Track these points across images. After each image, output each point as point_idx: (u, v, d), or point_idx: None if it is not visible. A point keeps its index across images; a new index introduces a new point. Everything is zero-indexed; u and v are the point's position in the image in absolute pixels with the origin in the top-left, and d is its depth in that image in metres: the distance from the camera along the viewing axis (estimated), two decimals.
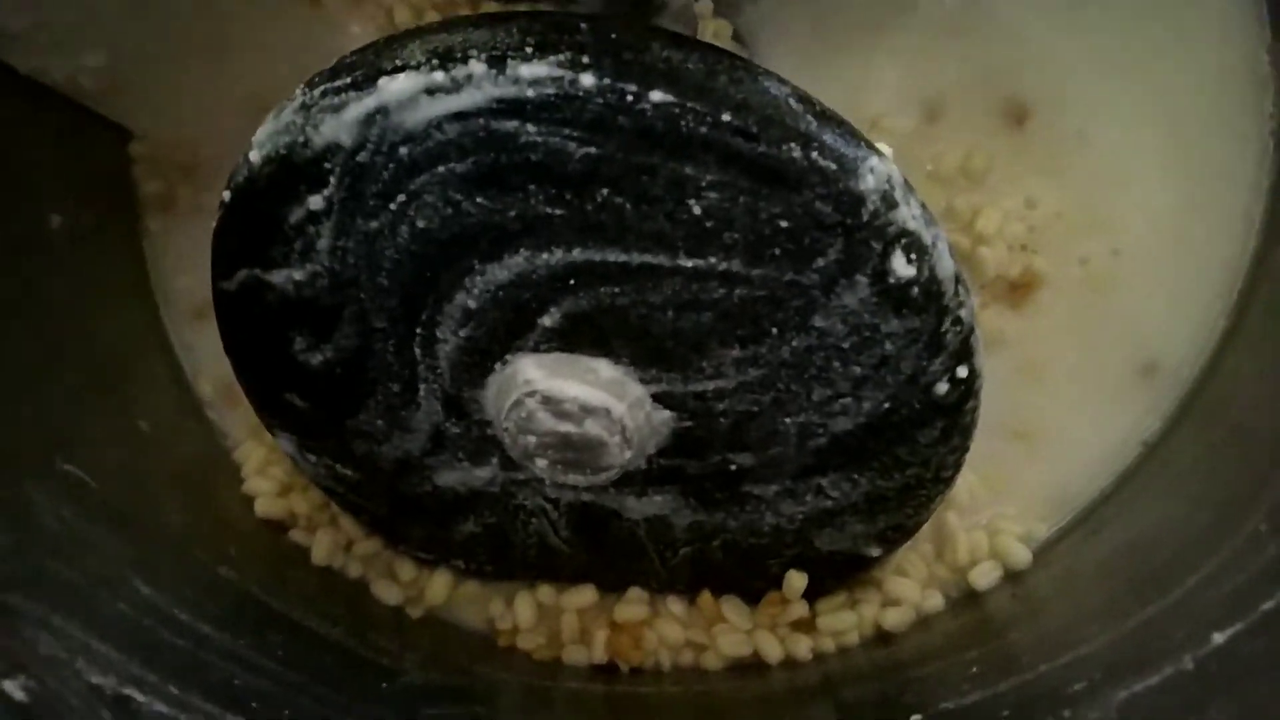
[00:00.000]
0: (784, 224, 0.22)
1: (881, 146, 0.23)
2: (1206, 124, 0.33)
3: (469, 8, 0.35)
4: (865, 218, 0.22)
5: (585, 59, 0.21)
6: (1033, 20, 0.34)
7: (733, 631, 0.31)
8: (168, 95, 0.35)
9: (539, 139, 0.22)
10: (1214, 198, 0.33)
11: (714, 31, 0.33)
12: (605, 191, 0.22)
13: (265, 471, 0.33)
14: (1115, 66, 0.34)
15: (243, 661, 0.25)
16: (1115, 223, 0.33)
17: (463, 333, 0.25)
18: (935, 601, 0.31)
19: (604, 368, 0.25)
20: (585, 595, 0.32)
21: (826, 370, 0.25)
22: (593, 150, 0.22)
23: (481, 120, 0.22)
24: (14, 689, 0.20)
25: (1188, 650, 0.21)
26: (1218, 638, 0.21)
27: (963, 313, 0.24)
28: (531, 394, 0.25)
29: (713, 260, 0.23)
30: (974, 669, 0.26)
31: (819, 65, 0.35)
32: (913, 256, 0.23)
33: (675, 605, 0.32)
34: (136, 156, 0.36)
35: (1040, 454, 0.32)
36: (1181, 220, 0.33)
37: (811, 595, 0.31)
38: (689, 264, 0.23)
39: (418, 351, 0.26)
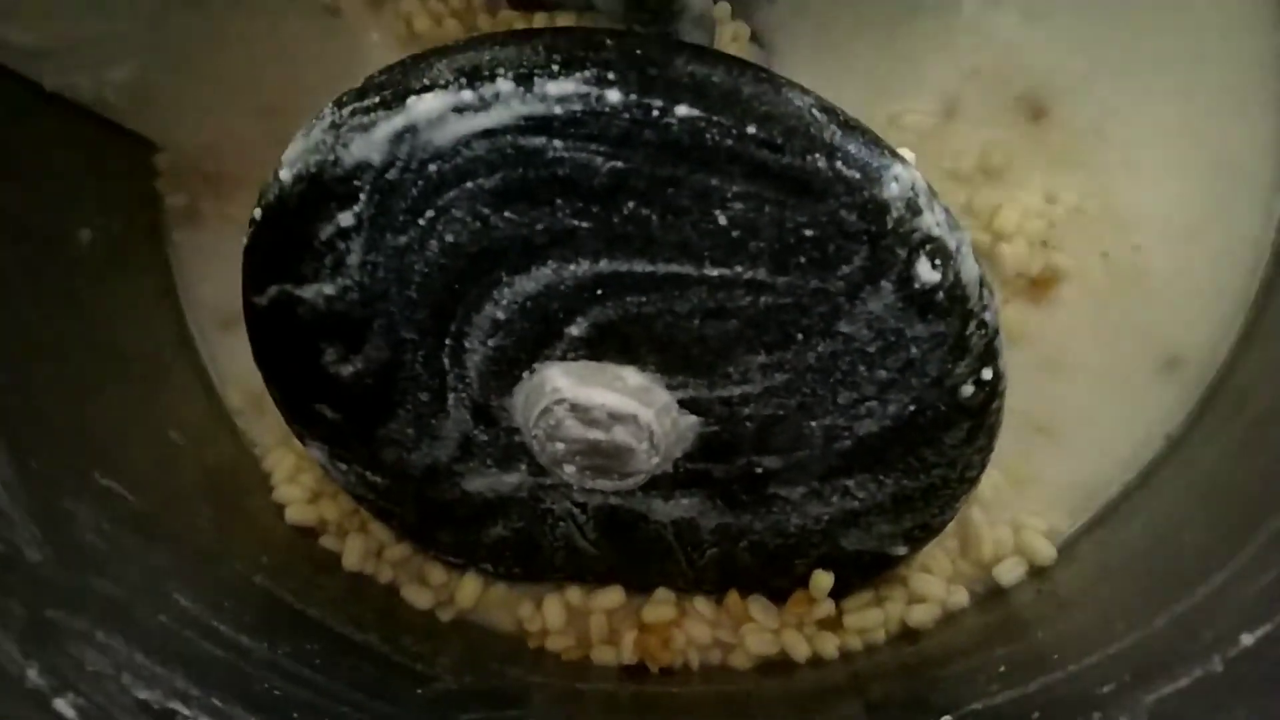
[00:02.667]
0: (809, 233, 0.22)
1: (904, 152, 0.23)
2: (1224, 117, 0.33)
3: (487, 14, 0.35)
4: (890, 225, 0.22)
5: (611, 75, 0.21)
6: (1049, 16, 0.34)
7: (760, 631, 0.31)
8: (191, 107, 0.35)
9: (566, 154, 0.22)
10: (1233, 191, 0.33)
11: (732, 34, 0.33)
12: (631, 204, 0.22)
13: (295, 479, 0.34)
14: (1132, 61, 0.34)
15: (282, 671, 0.25)
16: (1135, 217, 0.33)
17: (491, 343, 0.25)
18: (960, 598, 0.31)
19: (631, 375, 0.25)
20: (613, 596, 0.32)
21: (852, 374, 0.25)
22: (619, 164, 0.22)
23: (509, 137, 0.22)
24: (65, 707, 0.21)
25: (1217, 651, 0.22)
26: (1247, 639, 0.21)
27: (987, 315, 0.24)
28: (560, 402, 0.25)
29: (738, 269, 0.23)
30: (1001, 668, 0.26)
31: (836, 64, 0.35)
32: (937, 262, 0.23)
33: (703, 605, 0.32)
34: (161, 169, 0.36)
35: (1063, 449, 0.33)
36: (1202, 214, 0.33)
37: (838, 594, 0.31)
38: (715, 273, 0.23)
39: (446, 362, 0.26)
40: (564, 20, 0.33)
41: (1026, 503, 0.32)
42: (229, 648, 0.25)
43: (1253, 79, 0.33)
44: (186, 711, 0.22)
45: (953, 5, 0.35)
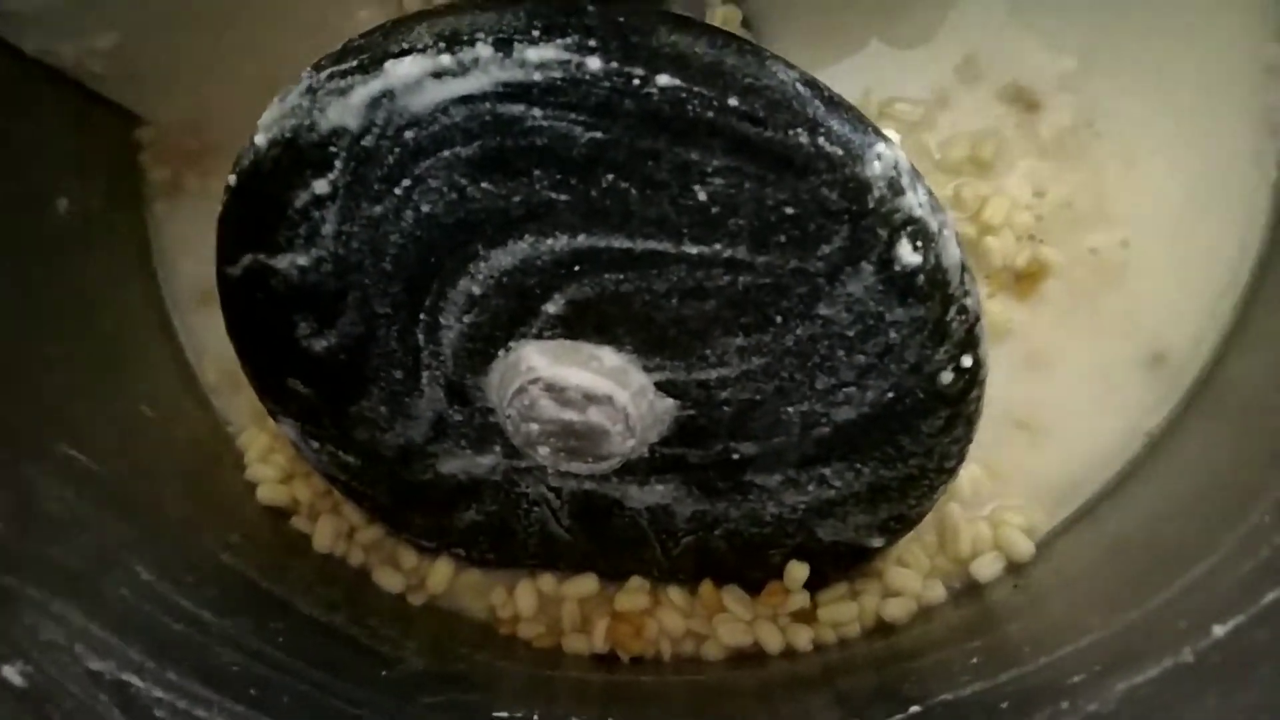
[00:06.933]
0: (790, 210, 0.22)
1: (889, 132, 0.23)
2: (1215, 115, 0.33)
3: None
4: (871, 204, 0.22)
5: (592, 42, 0.21)
6: (1043, 7, 0.34)
7: (734, 621, 0.31)
8: (176, 79, 0.35)
9: (545, 123, 0.22)
10: (1223, 189, 0.33)
11: (723, 18, 0.33)
12: (610, 177, 0.22)
13: (268, 458, 0.33)
14: (1124, 56, 0.33)
15: (242, 647, 0.25)
16: (1124, 213, 0.33)
17: (466, 319, 0.25)
18: (937, 593, 0.31)
19: (607, 355, 0.25)
20: (586, 584, 0.32)
21: (830, 359, 0.25)
22: (598, 135, 0.22)
23: (487, 104, 0.22)
24: (13, 674, 0.20)
25: (1187, 642, 0.21)
26: (1218, 630, 0.21)
27: (968, 301, 0.24)
28: (535, 381, 0.25)
29: (718, 247, 0.23)
30: (974, 660, 0.26)
31: (827, 52, 0.35)
32: (919, 244, 0.23)
33: (676, 595, 0.32)
34: (144, 142, 0.36)
35: (1044, 445, 0.32)
36: (1190, 211, 0.33)
37: (813, 586, 0.31)
38: (694, 251, 0.23)
39: (421, 338, 0.26)
40: None
41: (1006, 498, 0.32)
42: (189, 622, 0.25)
43: (1243, 78, 0.33)
44: (140, 684, 0.22)
45: None
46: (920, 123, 0.34)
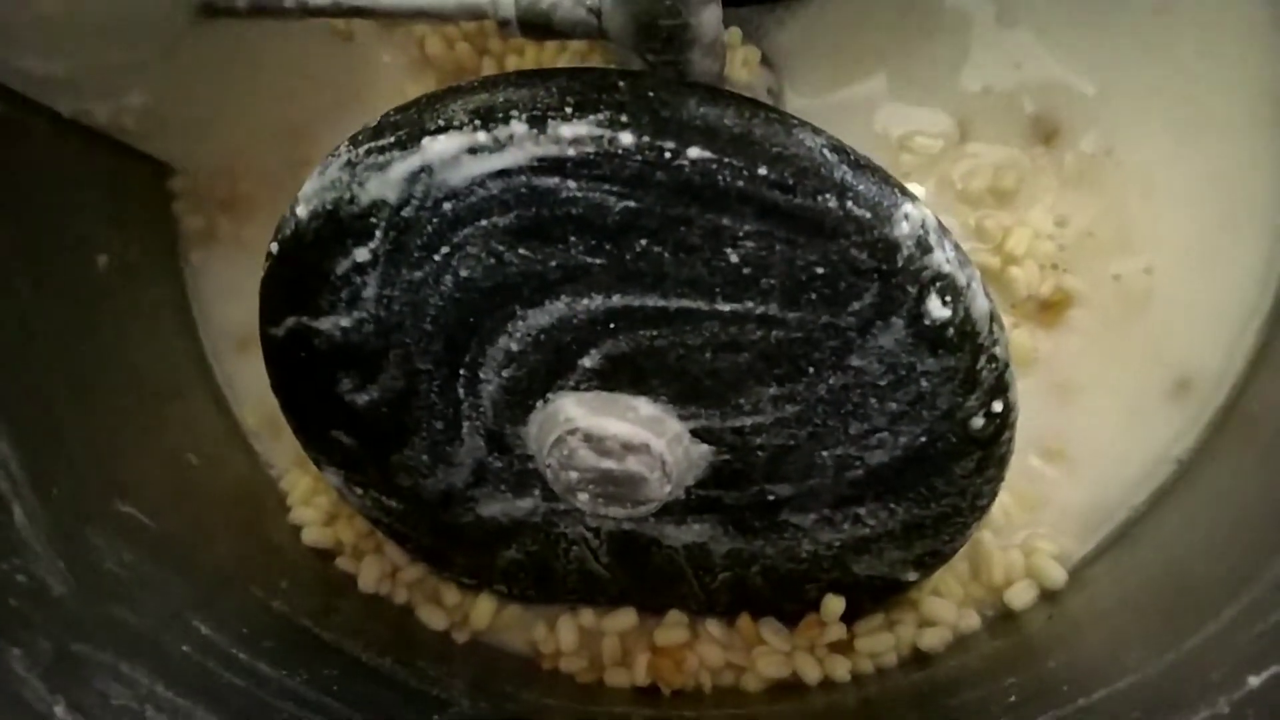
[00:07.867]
0: (820, 270, 0.23)
1: (914, 188, 0.23)
2: (1236, 140, 0.33)
3: (499, 39, 0.35)
4: (900, 263, 0.23)
5: (624, 117, 0.22)
6: (1061, 39, 0.34)
7: (772, 653, 0.32)
8: (207, 131, 0.35)
9: (579, 194, 0.22)
10: (1245, 214, 0.33)
11: (743, 58, 0.34)
12: (644, 241, 0.23)
13: (311, 500, 0.34)
14: (1144, 84, 0.34)
15: (300, 699, 0.25)
16: (1146, 240, 0.33)
17: (505, 373, 0.26)
18: (972, 622, 0.32)
19: (643, 405, 0.26)
20: (626, 618, 0.33)
21: (863, 406, 0.25)
22: (632, 204, 0.22)
23: (523, 177, 0.22)
24: None
25: (1222, 693, 0.22)
26: (1253, 680, 0.22)
27: (997, 350, 0.24)
28: (573, 431, 0.26)
29: (750, 304, 0.23)
30: (1012, 698, 0.26)
31: (847, 87, 0.35)
32: (948, 299, 0.23)
33: (715, 628, 0.32)
34: (177, 192, 0.37)
35: (1074, 473, 0.33)
36: (1213, 237, 0.33)
37: (849, 617, 0.31)
38: (726, 308, 0.24)
39: (461, 391, 0.26)
40: (576, 48, 0.34)
41: (1037, 526, 0.33)
42: (248, 676, 0.25)
43: (1263, 103, 0.33)
44: None
45: (964, 27, 0.35)
46: (941, 155, 0.34)
